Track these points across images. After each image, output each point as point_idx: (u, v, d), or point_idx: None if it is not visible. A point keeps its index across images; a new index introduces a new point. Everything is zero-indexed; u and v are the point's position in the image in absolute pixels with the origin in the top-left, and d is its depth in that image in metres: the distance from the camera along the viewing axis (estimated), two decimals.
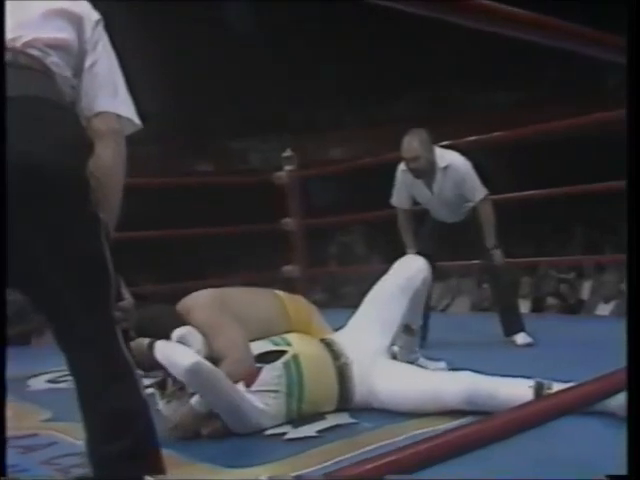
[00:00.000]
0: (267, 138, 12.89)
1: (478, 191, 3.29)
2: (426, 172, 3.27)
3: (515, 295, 3.55)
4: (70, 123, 1.32)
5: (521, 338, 3.22)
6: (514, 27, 1.22)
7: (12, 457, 1.98)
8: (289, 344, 2.26)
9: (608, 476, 1.21)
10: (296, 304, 2.50)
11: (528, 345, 3.17)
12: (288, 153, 4.83)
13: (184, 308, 2.28)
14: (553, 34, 1.29)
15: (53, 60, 1.36)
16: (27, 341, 5.95)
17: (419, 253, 3.37)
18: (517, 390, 2.04)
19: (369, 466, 1.42)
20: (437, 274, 3.12)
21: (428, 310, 3.37)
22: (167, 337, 2.16)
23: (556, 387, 2.01)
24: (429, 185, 3.32)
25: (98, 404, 1.25)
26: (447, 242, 3.41)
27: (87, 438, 1.27)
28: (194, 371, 1.98)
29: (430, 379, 2.23)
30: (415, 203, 3.51)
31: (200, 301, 2.28)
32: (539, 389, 2.03)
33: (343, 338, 2.38)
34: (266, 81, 12.34)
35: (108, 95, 1.43)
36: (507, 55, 10.96)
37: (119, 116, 1.44)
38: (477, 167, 3.32)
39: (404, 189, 3.44)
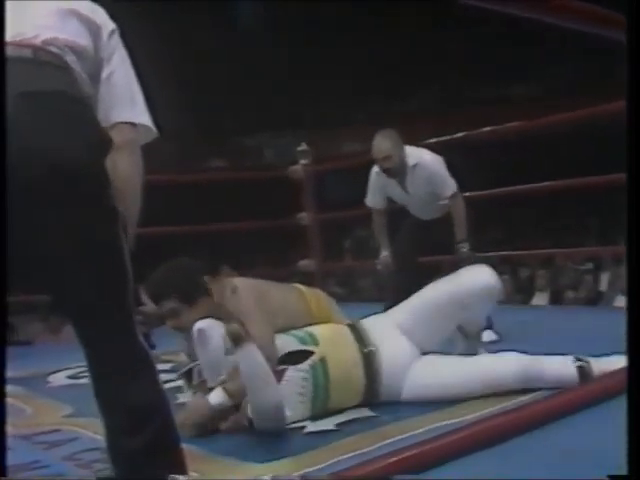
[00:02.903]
0: (281, 134, 12.89)
1: (448, 187, 3.31)
2: (398, 171, 3.30)
3: None
4: (91, 118, 1.34)
5: (487, 336, 3.18)
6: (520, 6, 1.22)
7: (34, 453, 2.01)
8: (316, 343, 2.22)
9: (608, 476, 1.21)
10: (317, 297, 2.51)
11: (493, 343, 3.06)
12: (303, 147, 4.83)
13: (228, 285, 2.29)
14: (559, 12, 1.29)
15: (72, 59, 1.38)
16: (30, 341, 6.00)
17: (395, 252, 3.43)
18: (563, 365, 2.18)
19: (394, 459, 1.43)
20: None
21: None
22: (190, 288, 2.21)
23: (591, 360, 2.19)
24: (402, 184, 3.36)
25: (116, 400, 1.25)
26: (428, 239, 3.41)
27: (106, 434, 1.28)
28: None
29: (479, 363, 2.25)
30: (391, 202, 3.55)
31: (240, 286, 2.29)
32: (581, 363, 2.17)
33: (377, 326, 2.33)
34: (279, 78, 12.33)
35: (124, 106, 1.46)
36: (520, 49, 10.91)
37: (135, 125, 1.46)
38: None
39: (378, 190, 3.50)
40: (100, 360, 1.26)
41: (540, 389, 2.10)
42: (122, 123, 1.45)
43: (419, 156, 3.32)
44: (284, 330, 2.27)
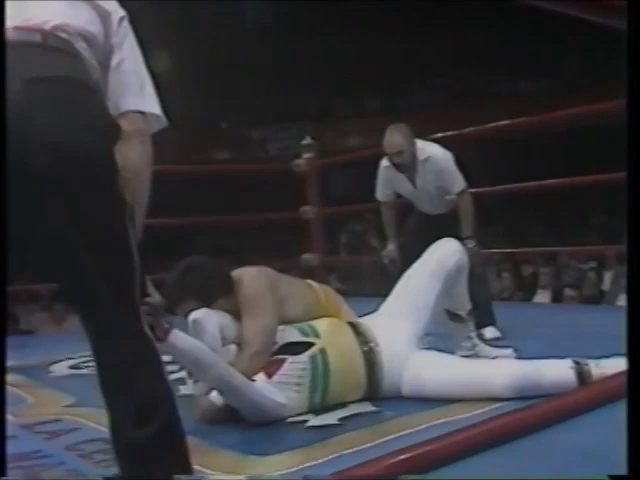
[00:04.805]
0: (286, 127, 12.88)
1: (457, 183, 3.31)
2: (409, 166, 3.29)
3: (486, 288, 3.54)
4: (99, 105, 1.32)
5: (489, 332, 3.19)
6: None
7: (36, 443, 2.02)
8: (317, 335, 2.22)
9: (608, 476, 1.21)
10: (326, 293, 2.51)
11: (495, 339, 3.08)
12: (308, 141, 4.82)
13: (236, 276, 2.30)
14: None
15: (82, 46, 1.36)
16: (32, 330, 6.02)
17: (403, 246, 3.44)
18: (560, 372, 2.15)
19: (398, 458, 1.42)
20: None
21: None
22: (209, 289, 2.22)
23: (591, 363, 2.16)
24: (411, 179, 3.36)
25: (121, 391, 1.24)
26: (434, 234, 3.41)
27: (110, 424, 1.27)
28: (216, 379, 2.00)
29: (476, 369, 2.23)
30: (399, 196, 3.56)
31: (253, 273, 2.30)
32: (579, 367, 2.14)
33: (373, 323, 2.36)
34: (285, 70, 12.31)
35: (134, 94, 1.43)
36: (530, 43, 10.87)
37: (145, 113, 1.45)
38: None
39: (387, 185, 3.50)
40: (106, 351, 1.25)
41: (537, 397, 2.00)
42: (132, 112, 1.43)
43: (430, 150, 3.31)
44: (293, 321, 2.27)
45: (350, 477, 1.44)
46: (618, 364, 2.03)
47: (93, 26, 1.40)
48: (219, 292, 2.25)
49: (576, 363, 2.16)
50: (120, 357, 1.24)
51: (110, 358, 1.25)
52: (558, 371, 2.15)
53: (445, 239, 2.58)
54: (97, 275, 1.23)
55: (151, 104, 1.47)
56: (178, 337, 1.91)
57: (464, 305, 2.59)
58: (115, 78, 1.43)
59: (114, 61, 1.43)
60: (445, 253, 2.49)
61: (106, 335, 1.25)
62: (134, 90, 1.44)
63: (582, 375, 2.13)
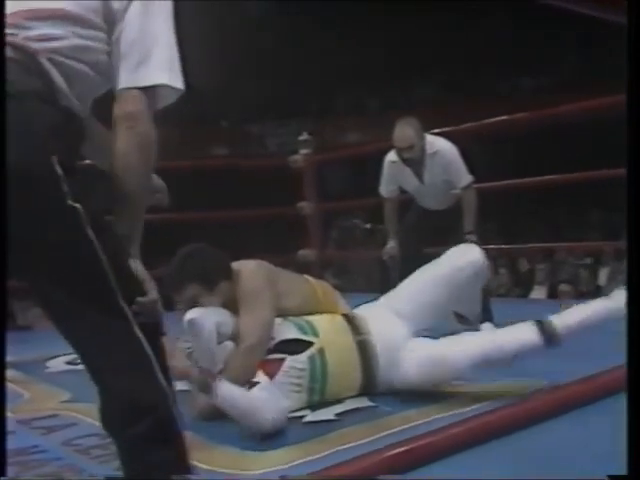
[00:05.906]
0: (285, 123, 12.86)
1: (463, 177, 3.31)
2: (418, 160, 3.28)
3: (485, 285, 3.54)
4: (28, 113, 1.13)
5: (487, 328, 3.18)
6: None
7: (33, 438, 2.02)
8: (316, 334, 2.21)
9: (608, 476, 1.21)
10: (323, 288, 2.51)
11: None
12: (305, 137, 4.82)
13: (235, 269, 2.29)
14: None
15: (32, 34, 1.17)
16: (29, 326, 5.96)
17: (402, 242, 3.43)
18: (522, 335, 2.13)
19: (382, 456, 1.41)
20: None
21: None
22: (210, 272, 2.21)
23: (556, 320, 2.13)
24: (418, 173, 3.34)
25: (110, 393, 1.19)
26: (433, 230, 3.40)
27: (101, 423, 1.23)
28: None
29: (438, 346, 2.21)
30: (402, 191, 3.55)
31: (252, 267, 2.30)
32: (540, 325, 2.12)
33: (369, 313, 2.35)
34: (284, 65, 12.30)
35: (128, 70, 1.23)
36: (531, 39, 10.86)
37: (141, 89, 1.22)
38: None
39: (393, 180, 3.48)
40: (88, 358, 1.20)
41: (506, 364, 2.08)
42: (123, 90, 1.22)
43: (438, 144, 3.30)
44: (291, 315, 2.27)
45: (328, 477, 1.43)
46: (580, 308, 2.09)
47: (65, 3, 1.20)
48: (220, 275, 2.23)
49: (538, 322, 2.14)
50: (104, 363, 1.19)
51: (94, 363, 1.19)
52: (520, 335, 2.14)
53: (468, 245, 2.49)
54: (64, 286, 1.16)
55: (152, 75, 1.23)
56: (223, 387, 1.90)
57: (474, 310, 2.57)
58: (115, 55, 1.24)
59: (114, 37, 1.24)
60: (463, 262, 2.38)
61: (85, 342, 1.19)
62: (129, 65, 1.23)
63: (545, 330, 2.11)
